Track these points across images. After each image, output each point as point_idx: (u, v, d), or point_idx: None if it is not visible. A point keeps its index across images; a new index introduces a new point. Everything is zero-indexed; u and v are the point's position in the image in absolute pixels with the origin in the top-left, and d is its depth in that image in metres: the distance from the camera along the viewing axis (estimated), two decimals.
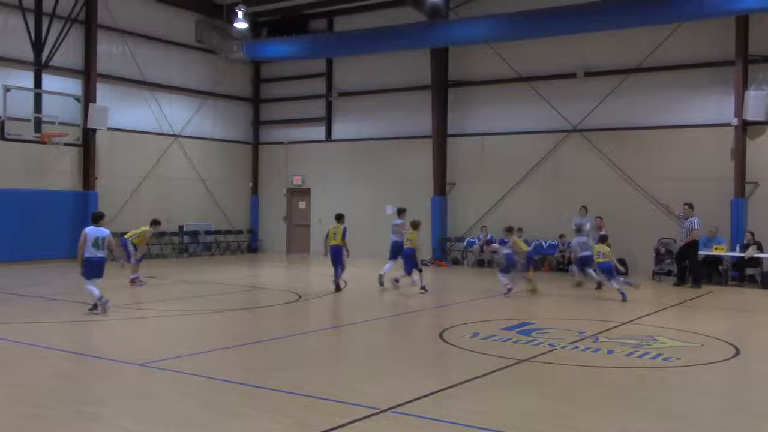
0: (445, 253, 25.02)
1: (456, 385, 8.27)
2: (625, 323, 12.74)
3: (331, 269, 16.56)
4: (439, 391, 7.94)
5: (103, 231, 12.90)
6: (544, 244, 23.23)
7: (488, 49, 24.36)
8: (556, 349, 10.46)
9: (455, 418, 6.92)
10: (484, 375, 8.76)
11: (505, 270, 16.17)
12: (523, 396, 7.92)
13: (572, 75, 23.60)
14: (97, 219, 13.02)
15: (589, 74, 23.33)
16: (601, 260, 16.31)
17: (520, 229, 20.29)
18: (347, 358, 9.81)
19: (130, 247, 17.05)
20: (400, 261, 17.27)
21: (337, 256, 16.59)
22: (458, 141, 25.34)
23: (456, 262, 25.09)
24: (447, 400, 7.65)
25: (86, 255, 12.69)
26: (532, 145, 24.09)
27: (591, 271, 17.26)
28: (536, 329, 12.07)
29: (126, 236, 17.48)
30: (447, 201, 25.41)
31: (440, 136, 25.34)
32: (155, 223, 17.64)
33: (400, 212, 17.71)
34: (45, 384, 8.11)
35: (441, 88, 25.33)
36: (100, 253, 12.76)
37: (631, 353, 10.12)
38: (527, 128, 24.25)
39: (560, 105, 23.70)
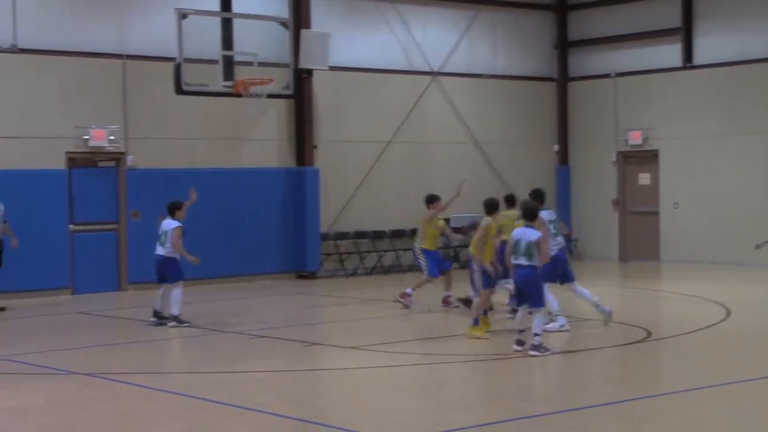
0: None
1: None
2: None
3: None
4: None
5: (169, 224, 13.65)
6: None
7: None
8: None
9: None
10: None
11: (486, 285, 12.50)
12: None
13: None
14: (173, 210, 13.53)
15: None
16: None
17: (510, 200, 14.25)
18: None
19: (422, 260, 15.03)
20: None
21: None
22: None
23: None
24: None
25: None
26: None
27: None
28: None
29: (417, 244, 15.58)
30: None
31: None
32: (432, 200, 15.22)
33: None
34: None
35: None
36: (160, 250, 13.61)
37: None
38: None
39: None
